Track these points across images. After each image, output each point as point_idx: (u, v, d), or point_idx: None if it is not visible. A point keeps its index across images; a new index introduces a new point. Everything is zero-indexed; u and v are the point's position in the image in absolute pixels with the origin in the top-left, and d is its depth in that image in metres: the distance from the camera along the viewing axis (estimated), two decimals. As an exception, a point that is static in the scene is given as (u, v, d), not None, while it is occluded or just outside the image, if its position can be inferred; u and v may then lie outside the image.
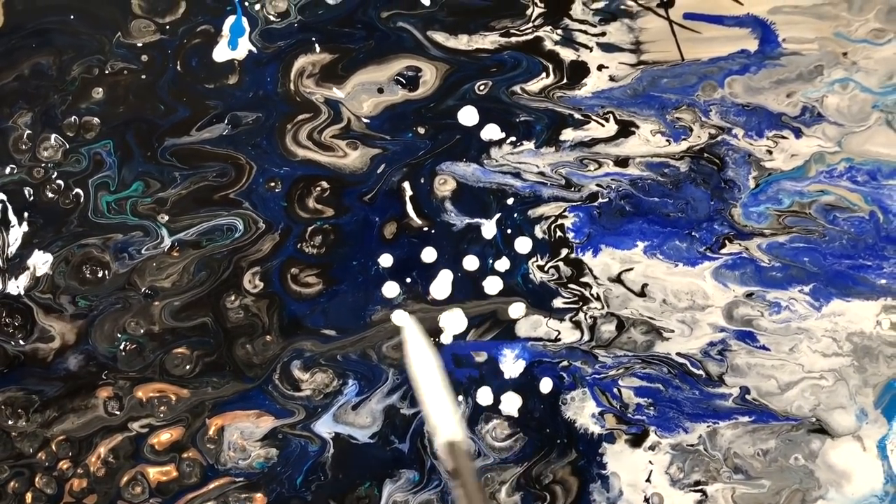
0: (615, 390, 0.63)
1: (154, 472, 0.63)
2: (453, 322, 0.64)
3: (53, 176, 0.64)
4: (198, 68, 0.65)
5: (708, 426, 0.63)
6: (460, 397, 0.63)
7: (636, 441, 0.63)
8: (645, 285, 0.64)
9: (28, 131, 0.64)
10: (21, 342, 0.63)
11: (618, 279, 0.64)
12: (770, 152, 0.64)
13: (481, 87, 0.65)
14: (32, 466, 0.63)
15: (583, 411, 0.63)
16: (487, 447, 0.63)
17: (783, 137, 0.64)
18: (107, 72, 0.64)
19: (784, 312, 0.63)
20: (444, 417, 0.47)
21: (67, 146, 0.64)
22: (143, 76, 0.64)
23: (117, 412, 0.63)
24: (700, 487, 0.63)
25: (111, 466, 0.63)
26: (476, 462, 0.63)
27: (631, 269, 0.64)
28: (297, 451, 0.63)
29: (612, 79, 0.65)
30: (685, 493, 0.62)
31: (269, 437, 0.64)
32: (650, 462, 0.63)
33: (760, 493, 0.62)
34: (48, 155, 0.64)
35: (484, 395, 0.63)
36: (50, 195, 0.64)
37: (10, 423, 0.63)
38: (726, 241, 0.64)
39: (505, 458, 0.63)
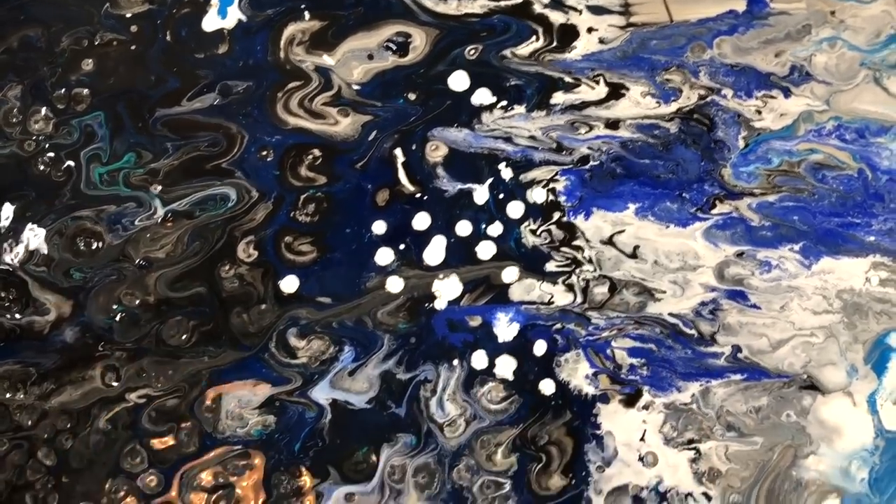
0: (608, 351, 0.67)
1: (153, 442, 0.66)
2: (447, 288, 0.67)
3: (45, 148, 0.67)
4: (187, 38, 0.68)
5: (700, 385, 0.66)
6: (455, 361, 0.66)
7: (630, 401, 0.67)
8: (637, 247, 0.67)
9: (18, 104, 0.67)
10: (17, 315, 0.67)
11: (610, 241, 0.67)
12: (759, 112, 0.67)
13: (471, 52, 0.68)
14: (31, 438, 0.66)
15: (577, 373, 0.67)
16: (483, 410, 0.66)
17: (772, 97, 0.67)
18: (96, 43, 0.68)
19: (774, 271, 0.67)
20: None
21: (58, 118, 0.67)
22: (133, 47, 0.67)
23: (115, 383, 0.67)
24: (694, 445, 0.66)
25: (110, 437, 0.66)
26: (473, 424, 0.66)
27: (623, 231, 0.67)
28: (295, 417, 0.67)
29: (601, 41, 0.68)
30: (679, 452, 0.66)
31: (267, 404, 0.67)
32: (644, 421, 0.66)
33: (753, 450, 0.66)
34: (39, 128, 0.67)
35: (479, 359, 0.67)
36: (42, 168, 0.67)
37: (8, 395, 0.67)
38: (717, 202, 0.67)
39: (501, 420, 0.67)
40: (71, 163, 0.67)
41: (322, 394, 0.67)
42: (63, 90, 0.67)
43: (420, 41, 0.68)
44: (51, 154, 0.67)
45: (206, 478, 0.67)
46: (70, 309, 0.67)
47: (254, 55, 0.68)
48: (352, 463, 0.67)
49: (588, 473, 0.66)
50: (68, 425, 0.67)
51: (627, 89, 0.68)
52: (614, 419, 0.67)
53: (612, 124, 0.68)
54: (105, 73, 0.68)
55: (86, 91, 0.67)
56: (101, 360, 0.67)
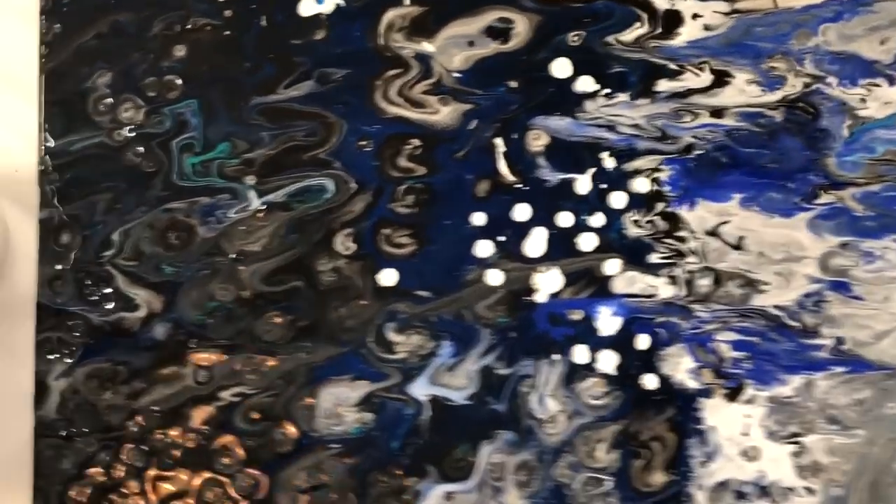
0: (711, 345, 0.66)
1: (246, 442, 0.65)
2: (548, 281, 0.66)
3: (135, 138, 0.65)
4: (283, 23, 0.66)
5: (803, 378, 0.65)
6: (556, 356, 0.65)
7: (733, 395, 0.66)
8: (741, 238, 0.66)
9: (108, 92, 0.65)
10: (106, 312, 0.65)
11: (714, 232, 0.66)
12: (863, 100, 0.67)
13: (574, 39, 0.66)
14: (121, 439, 0.64)
15: (679, 367, 0.66)
16: (584, 406, 0.65)
17: (876, 85, 0.67)
18: (188, 28, 0.65)
19: (878, 262, 0.66)
20: None
21: (149, 107, 0.65)
22: (227, 32, 0.65)
23: (207, 381, 0.65)
24: (796, 439, 0.65)
25: (202, 437, 0.65)
26: (574, 419, 0.65)
27: (727, 221, 0.66)
28: (393, 414, 0.65)
29: (706, 28, 0.66)
30: (782, 445, 0.65)
31: (365, 401, 0.65)
32: (747, 415, 0.65)
33: (856, 443, 0.65)
34: (129, 116, 0.65)
35: (580, 354, 0.65)
36: (132, 158, 0.65)
37: (97, 395, 0.64)
38: (821, 192, 0.66)
39: (602, 416, 0.65)
40: (162, 153, 0.65)
41: (421, 390, 0.66)
42: (154, 77, 0.65)
43: (522, 27, 0.66)
44: (141, 144, 0.65)
45: (301, 478, 0.65)
46: (161, 305, 0.65)
47: (352, 41, 0.66)
48: (451, 461, 0.65)
49: (690, 469, 0.65)
50: (159, 425, 0.65)
51: (732, 77, 0.67)
52: (717, 413, 0.66)
53: (717, 112, 0.66)
54: (198, 59, 0.65)
55: (178, 79, 0.65)
56: (194, 357, 0.65)
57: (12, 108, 0.65)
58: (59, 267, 0.65)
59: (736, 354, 0.66)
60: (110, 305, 0.65)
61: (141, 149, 0.65)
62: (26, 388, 0.65)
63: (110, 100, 0.65)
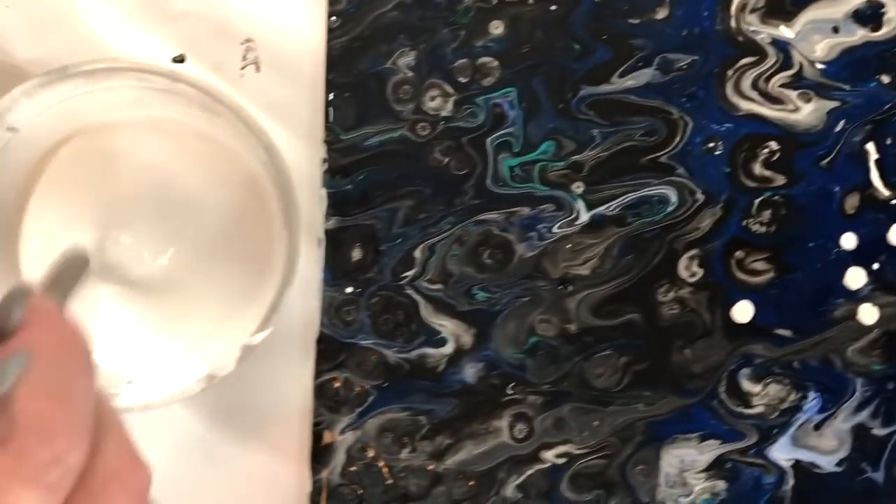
0: None
1: (566, 517, 0.52)
2: (932, 319, 0.54)
3: (442, 132, 0.53)
4: (620, -1, 0.55)
5: None
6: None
7: None
8: None
9: (411, 75, 0.53)
10: (405, 347, 0.52)
11: None
12: None
13: (955, 28, 0.56)
14: (419, 511, 0.51)
15: None
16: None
17: None
18: (508, 0, 0.54)
19: None
20: None
21: (460, 95, 0.53)
22: (553, 7, 0.54)
23: (526, 437, 0.52)
24: None
25: (517, 509, 0.51)
26: None
27: None
28: (750, 483, 0.53)
29: None
30: None
31: (716, 465, 0.53)
32: None
33: None
34: (436, 106, 0.53)
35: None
36: (438, 157, 0.53)
37: (391, 454, 0.51)
38: None
39: None
40: (475, 152, 0.53)
41: (782, 453, 0.54)
42: (466, 59, 0.53)
43: (895, 12, 0.56)
44: (450, 140, 0.53)
45: (641, 563, 0.52)
46: (471, 339, 0.52)
47: (699, 23, 0.55)
48: (819, 543, 0.52)
49: None
50: (467, 493, 0.51)
51: None
52: None
53: None
54: (519, 39, 0.54)
55: (494, 61, 0.53)
56: (510, 406, 0.52)
57: (288, 92, 0.52)
58: (348, 290, 0.52)
59: None
60: (411, 339, 0.52)
61: (449, 146, 0.53)
62: (302, 444, 0.52)
63: (411, 86, 0.53)
